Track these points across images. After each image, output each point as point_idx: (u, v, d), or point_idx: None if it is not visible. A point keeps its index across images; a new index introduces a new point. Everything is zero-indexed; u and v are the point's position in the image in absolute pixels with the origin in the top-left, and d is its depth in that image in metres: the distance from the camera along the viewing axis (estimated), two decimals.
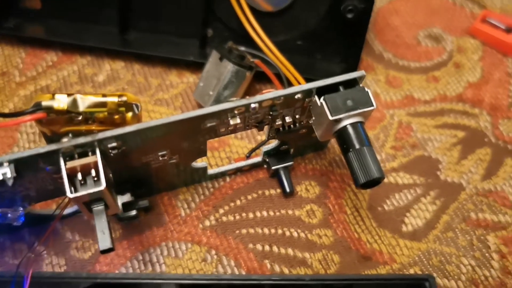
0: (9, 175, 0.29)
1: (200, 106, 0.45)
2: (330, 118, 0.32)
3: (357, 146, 0.32)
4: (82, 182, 0.30)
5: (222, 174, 0.42)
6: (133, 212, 0.39)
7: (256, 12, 0.46)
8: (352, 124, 0.32)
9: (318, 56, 0.48)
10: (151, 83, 0.47)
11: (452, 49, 0.51)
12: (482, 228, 0.41)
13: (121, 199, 0.38)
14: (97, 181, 0.30)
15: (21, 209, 0.35)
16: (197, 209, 0.41)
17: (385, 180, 0.43)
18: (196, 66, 0.47)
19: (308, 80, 0.45)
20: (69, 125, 0.32)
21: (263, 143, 0.41)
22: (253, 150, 0.42)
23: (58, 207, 0.37)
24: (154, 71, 0.48)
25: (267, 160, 0.41)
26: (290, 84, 0.43)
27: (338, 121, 0.32)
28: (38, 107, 0.30)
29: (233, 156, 0.44)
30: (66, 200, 0.35)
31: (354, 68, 0.46)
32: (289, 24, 0.48)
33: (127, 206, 0.39)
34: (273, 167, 0.41)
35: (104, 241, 0.31)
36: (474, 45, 0.51)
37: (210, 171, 0.41)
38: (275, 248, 0.40)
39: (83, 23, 0.48)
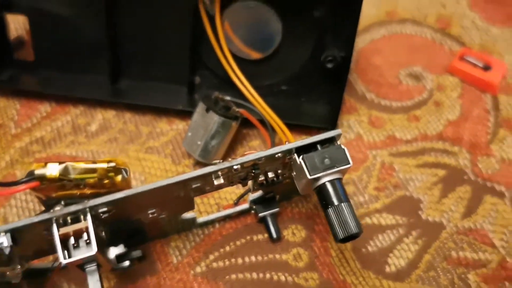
0: (6, 244, 0.31)
1: (189, 155, 0.47)
2: (309, 177, 0.33)
3: (336, 203, 0.34)
4: (75, 245, 0.32)
5: (212, 222, 0.44)
6: (127, 263, 0.41)
7: (242, 60, 0.48)
8: (330, 181, 0.34)
9: (302, 99, 0.50)
10: (142, 131, 0.49)
11: (432, 87, 0.53)
12: (463, 267, 0.43)
13: (114, 251, 0.40)
14: (89, 244, 0.32)
15: (19, 267, 0.36)
16: (189, 256, 0.43)
17: (369, 221, 0.45)
18: (185, 113, 0.49)
19: (293, 125, 0.47)
20: (62, 190, 0.34)
21: (249, 191, 0.42)
22: (240, 197, 0.44)
23: (54, 262, 0.39)
24: (145, 119, 0.50)
25: (254, 207, 0.43)
26: (273, 130, 0.45)
27: (316, 179, 0.34)
28: (31, 176, 0.32)
29: (221, 202, 0.45)
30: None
31: (337, 110, 0.48)
32: (274, 69, 0.49)
33: (120, 257, 0.41)
34: (260, 214, 0.43)
35: None
36: (453, 83, 0.53)
37: (200, 219, 0.43)
38: None
39: (75, 74, 0.50)
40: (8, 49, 0.50)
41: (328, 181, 0.34)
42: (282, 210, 0.45)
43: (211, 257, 0.43)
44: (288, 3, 0.46)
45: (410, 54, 0.55)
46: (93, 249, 0.31)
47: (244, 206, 0.44)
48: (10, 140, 0.48)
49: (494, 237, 0.44)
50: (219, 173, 0.34)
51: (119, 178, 0.34)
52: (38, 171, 0.32)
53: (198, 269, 0.42)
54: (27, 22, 0.49)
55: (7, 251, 0.31)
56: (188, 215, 0.41)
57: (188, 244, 0.43)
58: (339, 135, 0.35)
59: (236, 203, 0.44)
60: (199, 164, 0.47)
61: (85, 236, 0.32)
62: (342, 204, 0.34)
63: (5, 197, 0.44)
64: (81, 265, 0.33)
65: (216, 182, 0.34)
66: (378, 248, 0.44)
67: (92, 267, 0.33)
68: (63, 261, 0.31)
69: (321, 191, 0.34)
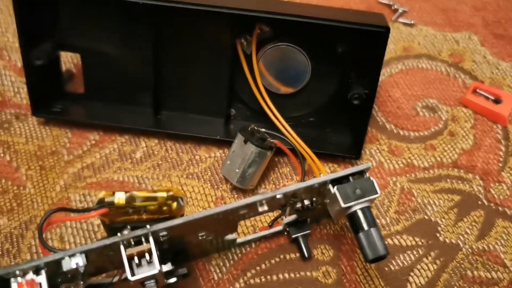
0: (81, 263, 0.35)
1: (227, 181, 0.52)
2: (342, 205, 0.38)
3: (366, 228, 0.38)
4: (138, 264, 0.36)
5: (249, 242, 0.48)
6: (174, 279, 0.45)
7: (273, 94, 0.53)
8: (361, 209, 0.39)
9: (328, 130, 0.55)
10: (182, 158, 0.54)
11: (447, 118, 0.57)
12: (478, 285, 0.47)
13: (163, 268, 0.45)
14: (150, 263, 0.36)
15: (82, 283, 0.41)
16: (228, 273, 0.47)
17: (390, 242, 0.49)
18: (222, 142, 0.54)
19: (320, 153, 0.51)
20: (124, 215, 0.38)
21: (281, 214, 0.47)
22: (274, 220, 0.48)
23: (113, 278, 0.43)
24: (185, 147, 0.54)
25: (288, 229, 0.47)
26: (303, 158, 0.50)
27: (349, 207, 0.38)
28: (101, 203, 0.37)
29: (257, 224, 0.50)
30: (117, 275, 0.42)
31: (361, 140, 0.53)
32: (302, 103, 0.54)
33: (168, 274, 0.45)
34: (293, 236, 0.47)
35: None
36: (467, 114, 0.58)
37: (239, 240, 0.47)
38: None
39: (121, 105, 0.55)
40: (60, 83, 0.56)
41: (359, 208, 0.39)
42: (312, 231, 0.49)
43: (249, 274, 0.47)
44: (316, 45, 0.51)
45: (426, 87, 0.60)
46: (156, 268, 0.36)
47: (278, 228, 0.48)
48: (64, 166, 0.53)
49: (506, 257, 0.48)
50: (264, 201, 0.38)
51: (175, 205, 0.38)
52: (107, 199, 0.37)
53: (237, 285, 0.47)
54: (79, 59, 0.54)
55: (82, 269, 0.35)
56: (230, 236, 0.45)
57: (227, 262, 0.48)
58: (368, 168, 0.40)
59: (270, 226, 0.49)
60: (236, 189, 0.51)
61: (147, 256, 0.36)
62: (371, 229, 0.38)
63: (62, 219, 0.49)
64: (142, 282, 0.37)
65: (260, 209, 0.39)
66: (400, 267, 0.48)
67: (151, 283, 0.38)
68: (130, 278, 0.35)
69: (353, 217, 0.39)
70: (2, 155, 0.53)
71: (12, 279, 0.35)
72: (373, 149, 0.55)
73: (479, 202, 0.52)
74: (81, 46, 0.53)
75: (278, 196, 0.38)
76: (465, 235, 0.50)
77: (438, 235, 0.50)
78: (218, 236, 0.43)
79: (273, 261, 0.48)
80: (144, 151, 0.54)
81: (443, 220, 0.51)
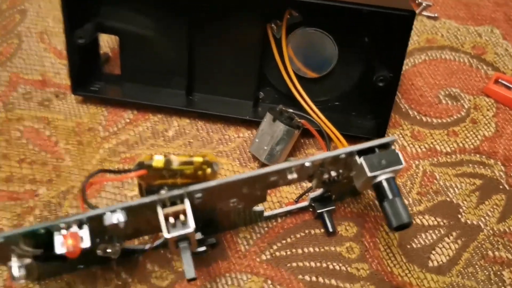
0: (122, 219, 0.37)
1: (255, 158, 0.54)
2: (368, 174, 0.40)
3: (390, 197, 0.40)
4: (174, 224, 0.39)
5: (275, 216, 0.50)
6: (203, 248, 0.47)
7: (300, 78, 0.55)
8: (386, 179, 0.40)
9: (353, 113, 0.57)
10: (212, 137, 0.56)
11: (469, 107, 0.59)
12: (499, 265, 0.48)
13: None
14: (185, 224, 0.38)
15: (118, 244, 0.43)
16: (255, 245, 0.49)
17: (413, 221, 0.51)
18: (250, 123, 0.56)
19: (345, 135, 0.53)
20: (160, 179, 0.40)
21: (309, 190, 0.49)
22: (301, 195, 0.50)
23: (147, 244, 0.46)
24: (215, 127, 0.57)
25: (313, 204, 0.49)
26: (330, 139, 0.52)
27: (374, 176, 0.40)
28: (141, 166, 0.39)
29: (283, 200, 0.52)
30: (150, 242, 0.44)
31: (385, 125, 0.54)
32: (328, 87, 0.56)
33: (198, 242, 0.47)
34: (318, 211, 0.49)
35: (190, 272, 0.39)
36: (489, 103, 0.59)
37: (266, 214, 0.49)
38: (320, 279, 0.47)
39: (156, 87, 0.58)
40: (98, 64, 0.59)
41: (384, 179, 0.40)
42: (336, 209, 0.51)
43: (275, 247, 0.49)
44: (343, 31, 0.53)
45: (448, 77, 0.61)
46: (191, 226, 0.38)
47: (304, 203, 0.50)
48: (100, 142, 0.55)
49: None
50: (293, 168, 0.40)
51: (209, 170, 0.40)
52: (146, 162, 0.39)
53: (263, 257, 0.48)
54: (116, 42, 0.57)
55: (122, 225, 0.38)
56: (258, 208, 0.47)
57: (254, 235, 0.50)
58: (393, 141, 0.41)
59: (297, 201, 0.50)
60: (263, 166, 0.53)
61: (181, 217, 0.38)
62: (396, 198, 0.40)
63: (97, 189, 0.52)
64: (175, 242, 0.39)
65: (289, 177, 0.41)
66: (421, 245, 0.49)
67: (185, 244, 0.40)
68: (167, 235, 0.38)
69: (378, 187, 0.41)
70: (42, 130, 0.56)
71: (56, 232, 0.37)
72: (396, 134, 0.57)
73: (501, 187, 0.53)
74: (120, 28, 0.56)
75: (306, 164, 0.40)
76: (486, 217, 0.51)
77: (459, 216, 0.51)
78: (248, 206, 0.45)
79: (298, 236, 0.50)
80: (176, 130, 0.57)
81: (464, 202, 0.52)
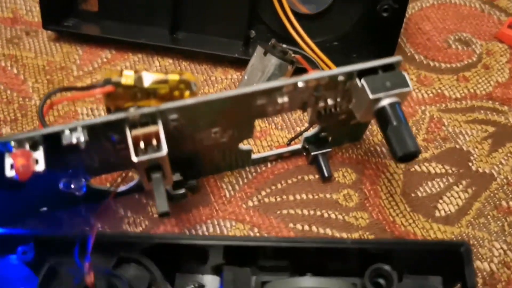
0: (82, 139, 0.32)
1: None
2: (371, 96, 0.35)
3: (395, 123, 0.35)
4: (144, 151, 0.33)
5: (264, 160, 0.45)
6: (182, 190, 0.42)
7: (295, 15, 0.50)
8: (390, 104, 0.35)
9: (354, 55, 0.51)
10: (197, 79, 0.51)
11: (481, 52, 0.53)
12: None
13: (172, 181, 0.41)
14: (158, 149, 0.33)
15: (83, 180, 0.38)
16: (241, 191, 0.44)
17: (418, 168, 0.45)
18: (239, 64, 0.51)
19: None
20: (132, 100, 0.35)
21: (305, 130, 0.44)
22: (294, 138, 0.45)
23: (112, 184, 0.40)
24: (200, 68, 0.51)
25: (307, 146, 0.44)
26: None
27: (377, 100, 0.35)
28: (108, 83, 0.34)
29: (274, 145, 0.46)
30: (119, 180, 0.39)
31: None
32: (326, 26, 0.51)
33: (176, 184, 0.42)
34: (312, 153, 0.44)
35: (162, 206, 0.34)
36: (502, 49, 0.54)
37: (254, 156, 0.44)
38: (314, 228, 0.42)
39: (136, 25, 0.52)
40: (73, 0, 0.53)
41: (388, 103, 0.35)
42: (333, 155, 0.46)
43: (263, 193, 0.44)
44: None
45: (458, 21, 0.56)
46: (164, 150, 0.32)
47: (297, 146, 0.45)
48: (72, 81, 0.50)
49: None
50: (284, 89, 0.35)
51: (187, 92, 0.35)
52: (114, 79, 0.34)
53: (250, 203, 0.43)
54: None
55: (82, 146, 0.32)
56: (244, 147, 0.42)
57: (241, 180, 0.44)
58: (399, 62, 0.36)
59: (289, 144, 0.45)
60: None
61: (154, 142, 0.33)
62: (401, 124, 0.35)
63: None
64: (148, 172, 0.34)
65: (279, 100, 0.35)
66: (427, 194, 0.44)
67: (157, 174, 0.34)
68: (135, 159, 0.32)
69: (381, 113, 0.35)
70: (9, 68, 0.51)
71: (7, 154, 0.32)
72: None
73: None
74: None
75: (299, 84, 0.35)
76: (500, 166, 0.46)
77: (470, 164, 0.46)
78: (233, 141, 0.40)
79: (290, 181, 0.44)
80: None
81: (475, 150, 0.47)
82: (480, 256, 0.41)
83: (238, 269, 0.34)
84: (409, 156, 0.35)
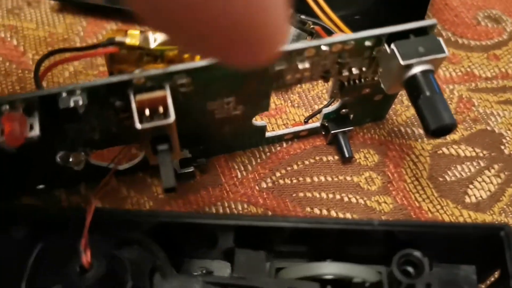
0: (81, 102, 0.29)
1: None
2: (402, 63, 0.31)
3: (428, 93, 0.31)
4: (149, 119, 0.30)
5: (279, 139, 0.41)
6: (191, 169, 0.39)
7: None
8: (423, 72, 0.32)
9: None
10: None
11: None
12: None
13: (180, 155, 0.38)
14: (164, 116, 0.30)
15: (83, 153, 0.35)
16: (254, 172, 0.40)
17: (446, 151, 0.42)
18: None
19: None
20: (137, 64, 0.32)
21: (325, 106, 0.40)
22: (313, 115, 0.42)
23: (113, 161, 0.37)
24: None
25: (326, 124, 0.41)
26: None
27: (408, 67, 0.31)
28: (111, 43, 0.31)
29: (290, 123, 0.43)
30: (121, 156, 0.36)
31: None
32: (346, 1, 0.47)
33: (185, 162, 0.39)
34: (332, 131, 0.40)
35: (168, 180, 0.30)
36: None
37: (268, 134, 0.41)
38: (333, 213, 0.39)
39: None
40: None
41: (421, 71, 0.32)
42: (353, 135, 0.42)
43: (278, 174, 0.40)
44: None
45: None
46: (171, 117, 0.29)
47: (315, 124, 0.41)
48: (75, 53, 0.47)
49: None
50: (306, 54, 0.31)
51: (198, 56, 0.32)
52: (118, 38, 0.31)
53: (263, 185, 0.40)
54: None
55: (81, 110, 0.29)
56: (258, 122, 0.39)
57: (254, 160, 0.41)
58: (434, 25, 0.33)
59: (306, 121, 0.42)
60: None
61: (160, 109, 0.30)
62: (435, 94, 0.31)
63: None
64: (153, 143, 0.31)
65: (300, 66, 0.32)
66: (456, 178, 0.41)
67: (164, 146, 0.31)
68: (139, 126, 0.29)
69: (412, 81, 0.32)
70: (9, 39, 0.47)
71: None
72: None
73: None
74: None
75: (323, 48, 0.31)
76: None
77: (502, 147, 0.42)
78: (247, 114, 0.36)
79: (307, 162, 0.41)
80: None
81: (508, 132, 0.43)
82: None
83: (251, 252, 0.31)
84: (444, 130, 0.31)
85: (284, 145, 0.42)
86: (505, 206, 0.39)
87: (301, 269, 0.31)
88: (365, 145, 0.42)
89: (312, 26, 0.43)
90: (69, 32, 0.48)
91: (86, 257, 0.28)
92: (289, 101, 0.44)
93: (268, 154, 0.41)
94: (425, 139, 0.42)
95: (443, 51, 0.32)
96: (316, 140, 0.42)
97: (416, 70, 0.32)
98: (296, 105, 0.44)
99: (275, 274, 0.32)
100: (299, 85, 0.45)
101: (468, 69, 0.47)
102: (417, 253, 0.30)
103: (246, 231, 0.32)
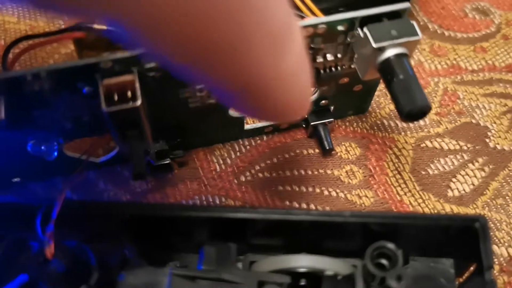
0: (46, 86, 0.28)
1: None
2: (374, 45, 0.30)
3: (401, 76, 0.30)
4: (117, 103, 0.29)
5: (259, 131, 0.41)
6: (167, 160, 0.38)
7: None
8: (396, 55, 0.31)
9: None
10: None
11: (500, 22, 0.49)
12: None
13: (155, 147, 0.38)
14: (133, 101, 0.29)
15: (56, 143, 0.34)
16: (233, 165, 0.40)
17: (429, 144, 0.41)
18: None
19: None
20: (108, 50, 0.31)
21: None
22: None
23: (86, 152, 0.36)
24: None
25: (306, 116, 0.40)
26: None
27: (381, 50, 0.31)
28: (78, 26, 0.30)
29: None
30: (93, 147, 0.35)
31: None
32: None
33: (161, 154, 0.38)
34: (312, 123, 0.39)
35: (138, 167, 0.30)
36: None
37: (247, 126, 0.40)
38: (312, 206, 0.38)
39: None
40: None
41: (394, 54, 0.31)
42: (335, 128, 0.42)
43: (257, 167, 0.40)
44: None
45: None
46: (138, 100, 0.29)
47: None
48: (56, 47, 0.46)
49: None
50: None
51: None
52: (86, 23, 0.30)
53: (242, 178, 0.39)
54: None
55: (48, 95, 0.28)
56: (236, 113, 0.38)
57: (233, 153, 0.40)
58: (407, 9, 0.32)
59: None
60: None
61: (129, 94, 0.29)
62: (409, 77, 0.30)
63: None
64: (122, 129, 0.30)
65: None
66: (439, 171, 0.40)
67: (133, 132, 0.30)
68: (105, 109, 0.28)
69: (386, 65, 0.31)
70: None
71: None
72: None
73: None
74: None
75: None
76: None
77: (487, 140, 0.41)
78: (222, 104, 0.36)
79: (287, 156, 0.40)
80: None
81: (494, 125, 0.42)
82: (497, 240, 0.37)
83: (221, 245, 0.30)
84: (418, 113, 0.30)
85: (265, 138, 0.41)
86: (488, 200, 0.38)
87: (272, 262, 0.30)
88: (347, 138, 0.41)
89: None
90: (50, 25, 0.48)
91: (49, 249, 0.27)
92: None
93: (248, 147, 0.41)
94: (408, 132, 0.42)
95: (416, 34, 0.31)
96: (297, 134, 0.41)
97: (390, 53, 0.31)
98: None
99: (250, 267, 0.31)
100: None
101: (454, 62, 0.46)
102: (390, 245, 0.29)
103: (220, 224, 0.31)
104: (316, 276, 0.30)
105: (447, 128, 0.42)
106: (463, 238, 0.29)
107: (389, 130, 0.42)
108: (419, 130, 0.42)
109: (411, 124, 0.42)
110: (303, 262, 0.29)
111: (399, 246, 0.29)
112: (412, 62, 0.45)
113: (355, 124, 0.42)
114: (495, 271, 0.36)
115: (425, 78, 0.45)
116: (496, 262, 0.36)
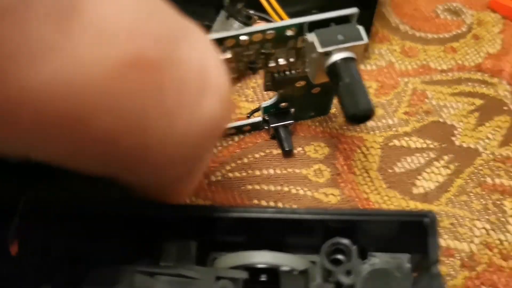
0: None
1: None
2: (319, 50, 0.32)
3: (347, 80, 0.31)
4: None
5: (226, 134, 0.42)
6: None
7: None
8: (343, 59, 0.32)
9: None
10: None
11: (471, 22, 0.50)
12: (499, 193, 0.39)
13: None
14: None
15: None
16: None
17: (397, 143, 0.42)
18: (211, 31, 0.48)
19: None
20: None
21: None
22: (256, 110, 0.42)
23: None
24: None
25: (267, 118, 0.41)
26: None
27: (328, 55, 0.32)
28: None
29: (242, 117, 0.44)
30: None
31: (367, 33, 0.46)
32: None
33: None
34: (272, 125, 0.41)
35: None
36: (495, 19, 0.50)
37: None
38: (280, 204, 0.39)
39: None
40: None
41: (341, 59, 0.32)
42: (304, 128, 0.43)
43: (228, 167, 0.41)
44: None
45: None
46: None
47: (257, 119, 0.42)
48: None
49: None
50: (226, 44, 0.32)
51: None
52: None
53: (212, 178, 0.40)
54: None
55: None
56: None
57: None
58: (355, 14, 0.33)
59: (249, 116, 0.42)
60: None
61: None
62: (354, 81, 0.31)
63: None
64: None
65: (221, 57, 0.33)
66: (406, 169, 0.41)
67: None
68: None
69: (332, 69, 0.32)
70: None
71: None
72: (383, 49, 0.48)
73: (505, 108, 0.44)
74: None
75: (242, 38, 0.32)
76: (486, 140, 0.42)
77: (453, 138, 0.42)
78: None
79: (257, 155, 0.42)
80: None
81: (460, 123, 0.43)
82: (459, 235, 0.38)
83: (180, 242, 0.31)
84: (362, 117, 0.31)
85: (236, 139, 0.42)
86: (452, 197, 0.39)
87: (231, 258, 0.31)
88: (317, 138, 0.42)
89: (258, 21, 0.43)
90: None
91: (13, 245, 0.28)
92: (243, 96, 0.45)
93: (219, 148, 0.42)
94: (377, 131, 0.43)
95: (361, 39, 0.32)
96: (267, 135, 0.43)
97: (336, 57, 0.32)
98: (251, 99, 0.45)
99: (213, 264, 0.33)
100: (253, 80, 0.46)
101: (424, 62, 0.47)
102: (345, 241, 0.30)
103: (182, 222, 0.32)
104: (275, 271, 0.31)
105: (415, 127, 0.43)
106: (415, 234, 0.30)
107: (358, 129, 0.43)
108: (388, 129, 0.43)
109: (379, 123, 0.43)
110: (260, 258, 0.30)
111: (358, 242, 0.30)
112: (383, 63, 0.46)
113: (324, 124, 0.43)
114: (457, 266, 0.37)
115: (395, 78, 0.46)
116: (458, 257, 0.37)
